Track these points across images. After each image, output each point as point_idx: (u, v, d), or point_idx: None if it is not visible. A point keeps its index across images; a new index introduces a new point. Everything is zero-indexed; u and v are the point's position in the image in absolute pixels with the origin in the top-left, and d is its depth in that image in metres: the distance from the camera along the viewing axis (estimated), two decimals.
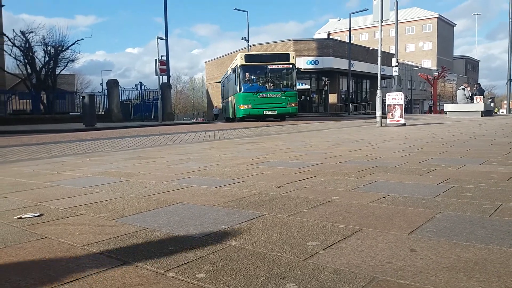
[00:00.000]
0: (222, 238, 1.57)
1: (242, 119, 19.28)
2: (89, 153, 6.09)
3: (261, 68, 19.04)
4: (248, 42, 33.23)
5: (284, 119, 19.87)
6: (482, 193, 2.23)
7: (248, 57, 19.44)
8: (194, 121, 40.19)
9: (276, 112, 18.67)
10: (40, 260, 1.40)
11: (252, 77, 19.20)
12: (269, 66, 18.98)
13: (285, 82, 19.57)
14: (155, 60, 21.10)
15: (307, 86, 37.70)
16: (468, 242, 1.42)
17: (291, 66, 19.46)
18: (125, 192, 2.63)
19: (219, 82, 44.93)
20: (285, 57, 19.71)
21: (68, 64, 25.62)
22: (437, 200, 2.09)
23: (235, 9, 33.57)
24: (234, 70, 20.26)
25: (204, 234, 1.64)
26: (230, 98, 23.53)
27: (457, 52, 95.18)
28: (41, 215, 2.06)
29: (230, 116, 23.57)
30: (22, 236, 1.69)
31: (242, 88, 18.79)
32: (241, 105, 18.68)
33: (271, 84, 19.20)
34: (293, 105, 18.96)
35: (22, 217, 2.02)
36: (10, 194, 2.69)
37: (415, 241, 1.45)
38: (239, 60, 19.03)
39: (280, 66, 19.31)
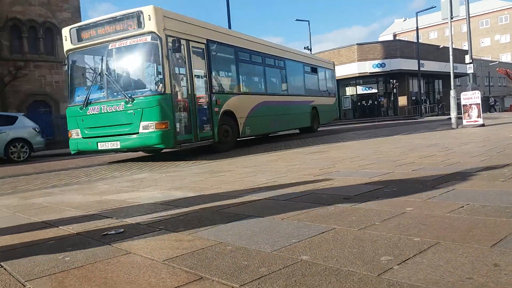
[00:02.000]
0: (293, 253, 1.59)
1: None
2: (164, 168, 6.40)
3: (97, 52, 8.14)
4: (310, 51, 33.13)
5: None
6: None
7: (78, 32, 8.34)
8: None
9: (119, 145, 7.60)
10: (126, 274, 1.51)
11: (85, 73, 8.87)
12: (109, 46, 7.83)
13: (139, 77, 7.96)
14: None
15: (374, 90, 36.68)
16: None
17: (150, 36, 7.48)
18: (199, 206, 2.74)
19: None
20: (135, 18, 7.59)
21: None
22: None
23: (297, 19, 33.54)
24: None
25: (276, 248, 1.67)
26: None
27: None
28: (124, 231, 2.22)
29: None
30: (110, 252, 1.84)
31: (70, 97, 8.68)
32: (69, 131, 8.45)
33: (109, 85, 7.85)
34: (162, 126, 7.19)
35: (108, 233, 2.19)
36: (96, 212, 2.92)
37: (498, 255, 1.37)
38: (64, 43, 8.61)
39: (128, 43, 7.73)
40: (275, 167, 4.76)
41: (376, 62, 34.53)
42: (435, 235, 1.66)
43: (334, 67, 18.27)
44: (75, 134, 8.20)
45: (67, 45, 8.38)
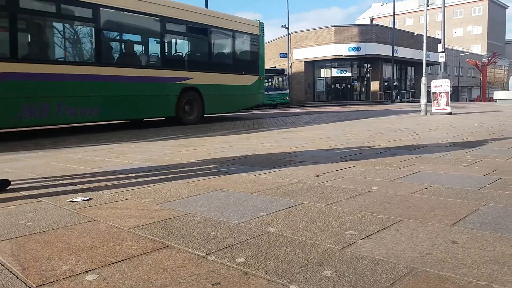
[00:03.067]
0: (261, 225, 1.60)
1: None
2: (133, 141, 6.30)
3: None
4: (288, 29, 32.90)
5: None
6: None
7: None
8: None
9: None
10: (89, 241, 1.49)
11: None
12: None
13: None
14: None
15: (348, 74, 36.96)
16: None
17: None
18: (168, 178, 2.72)
19: None
20: None
21: None
22: (482, 192, 2.02)
23: None
24: None
25: (243, 220, 1.68)
26: None
27: (509, 36, 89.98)
28: (90, 199, 2.18)
29: None
30: (74, 219, 1.80)
31: None
32: None
33: None
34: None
35: (73, 200, 2.14)
36: (61, 179, 2.84)
37: (457, 233, 1.42)
38: None
39: None
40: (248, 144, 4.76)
41: (352, 45, 34.67)
42: (398, 213, 1.71)
43: (260, 31, 12.08)
44: None
45: None
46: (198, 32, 10.12)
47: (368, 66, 36.03)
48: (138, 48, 9.16)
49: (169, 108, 9.34)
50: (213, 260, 1.26)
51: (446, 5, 11.83)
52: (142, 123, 10.58)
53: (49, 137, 7.22)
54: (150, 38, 9.17)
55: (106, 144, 5.43)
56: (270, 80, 28.18)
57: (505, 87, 29.10)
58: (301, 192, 2.17)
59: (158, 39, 9.17)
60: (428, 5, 11.33)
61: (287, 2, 32.42)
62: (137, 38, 9.00)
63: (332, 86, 37.69)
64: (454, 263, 1.16)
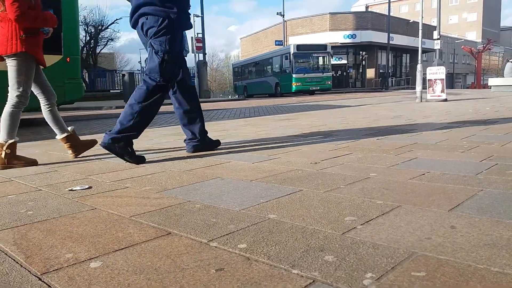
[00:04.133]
0: (261, 211, 1.62)
1: None
2: None
3: None
4: (283, 17, 32.69)
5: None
6: None
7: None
8: (230, 97, 40.40)
9: None
10: (91, 229, 1.50)
11: None
12: None
13: None
14: (191, 37, 21.22)
15: (344, 61, 36.90)
16: (511, 220, 1.40)
17: None
18: (167, 167, 2.72)
19: None
20: None
21: (108, 43, 26.31)
22: (479, 178, 2.04)
23: None
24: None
25: (244, 207, 1.69)
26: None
27: (504, 23, 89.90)
28: (89, 187, 2.19)
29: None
30: (74, 207, 1.81)
31: None
32: None
33: None
34: None
35: (73, 189, 2.15)
36: (60, 168, 2.84)
37: (455, 218, 1.44)
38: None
39: None
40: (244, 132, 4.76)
41: (348, 33, 34.58)
42: (397, 199, 1.73)
43: None
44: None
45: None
46: None
47: (364, 54, 35.98)
48: None
49: None
50: (215, 247, 1.27)
51: None
52: None
53: None
54: None
55: None
56: (306, 59, 25.26)
57: (499, 74, 29.17)
58: (300, 179, 2.18)
59: None
60: None
61: None
62: None
63: None
64: (453, 247, 1.18)
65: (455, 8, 74.04)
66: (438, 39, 16.29)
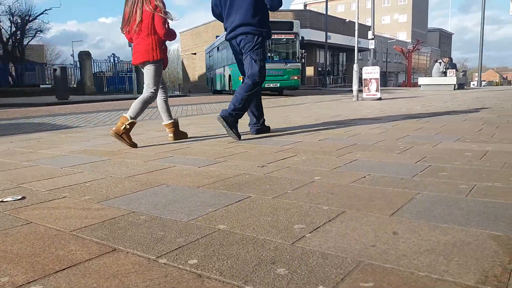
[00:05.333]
0: (210, 222, 1.60)
1: None
2: (64, 129, 5.96)
3: None
4: None
5: None
6: (457, 172, 2.32)
7: None
8: (170, 94, 39.58)
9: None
10: (28, 247, 1.40)
11: None
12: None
13: None
14: None
15: None
16: (447, 224, 1.49)
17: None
18: (107, 172, 2.61)
19: (194, 53, 44.12)
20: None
21: (37, 34, 24.72)
22: (415, 180, 2.16)
23: None
24: None
25: (192, 217, 1.66)
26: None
27: (432, 24, 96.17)
28: (23, 198, 2.04)
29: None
30: (7, 222, 1.68)
31: None
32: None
33: None
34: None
35: (4, 200, 1.99)
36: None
37: (396, 224, 1.52)
38: None
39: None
40: None
41: None
42: (341, 204, 1.78)
43: None
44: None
45: None
46: None
47: (303, 52, 36.74)
48: None
49: None
50: (164, 263, 1.24)
51: None
52: None
53: None
54: None
55: None
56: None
57: (427, 73, 31.15)
58: (247, 184, 2.18)
59: None
60: None
61: None
62: None
63: None
64: (397, 255, 1.24)
65: (387, 9, 77.93)
66: (372, 39, 17.01)
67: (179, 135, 4.12)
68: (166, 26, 3.63)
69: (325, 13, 35.38)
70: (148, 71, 3.73)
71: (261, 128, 4.36)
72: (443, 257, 1.21)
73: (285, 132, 4.39)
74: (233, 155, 3.11)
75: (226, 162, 2.84)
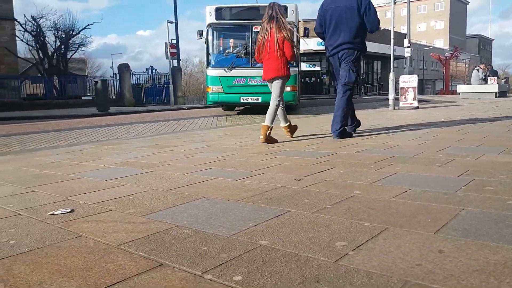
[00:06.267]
0: (252, 237, 1.62)
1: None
2: (105, 140, 6.17)
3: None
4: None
5: None
6: (503, 186, 2.24)
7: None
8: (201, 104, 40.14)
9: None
10: (80, 261, 1.46)
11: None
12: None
13: None
14: (165, 43, 21.03)
15: (317, 68, 37.35)
16: (495, 242, 1.45)
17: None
18: (149, 185, 2.69)
19: None
20: None
21: (80, 48, 25.78)
22: (459, 195, 2.11)
23: None
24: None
25: (234, 232, 1.68)
26: None
27: (470, 31, 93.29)
28: (72, 211, 2.13)
29: None
30: (59, 235, 1.76)
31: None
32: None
33: None
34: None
35: (55, 213, 2.09)
36: (37, 188, 2.76)
37: (442, 241, 1.48)
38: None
39: None
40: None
41: (321, 40, 34.98)
42: (383, 220, 1.76)
43: None
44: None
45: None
46: None
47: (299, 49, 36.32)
48: None
49: None
50: (210, 279, 1.26)
51: (410, 0, 12.20)
52: None
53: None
54: None
55: None
56: (239, 39, 11.95)
57: (466, 80, 30.14)
58: (286, 198, 2.19)
59: None
60: (395, 2, 11.59)
61: None
62: None
63: (302, 80, 37.99)
64: (444, 274, 1.22)
65: (423, 17, 76.34)
66: (408, 46, 16.68)
67: (293, 130, 5.14)
68: (295, 51, 4.65)
69: None
70: (277, 84, 4.76)
71: (344, 131, 4.87)
72: (493, 278, 1.18)
73: (319, 142, 4.37)
74: (269, 167, 3.13)
75: (263, 175, 2.86)
